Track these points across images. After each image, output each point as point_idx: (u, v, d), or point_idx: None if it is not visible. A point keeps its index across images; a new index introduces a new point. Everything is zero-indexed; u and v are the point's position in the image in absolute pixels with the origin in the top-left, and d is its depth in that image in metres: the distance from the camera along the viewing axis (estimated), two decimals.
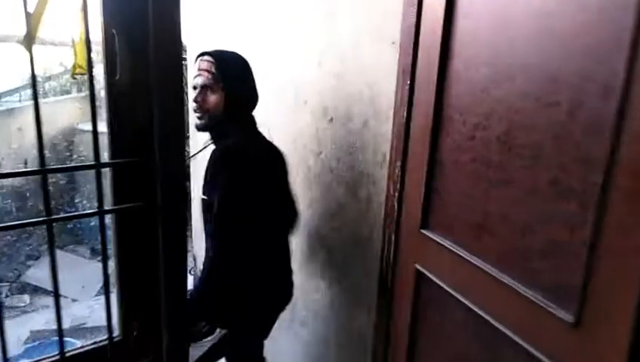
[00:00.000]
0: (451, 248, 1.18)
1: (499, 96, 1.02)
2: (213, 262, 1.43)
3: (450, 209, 1.20)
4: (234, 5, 2.56)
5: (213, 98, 1.48)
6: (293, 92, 2.02)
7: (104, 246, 0.92)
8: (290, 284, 1.71)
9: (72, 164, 4.38)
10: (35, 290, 3.76)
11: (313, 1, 1.85)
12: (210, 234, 1.47)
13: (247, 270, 1.49)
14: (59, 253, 4.47)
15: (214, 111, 1.49)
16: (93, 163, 0.88)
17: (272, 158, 1.60)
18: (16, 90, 5.26)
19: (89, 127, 3.94)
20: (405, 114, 1.35)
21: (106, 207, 0.90)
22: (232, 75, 1.48)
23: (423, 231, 1.29)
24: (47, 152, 4.45)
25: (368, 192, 1.63)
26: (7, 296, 3.67)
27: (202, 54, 1.52)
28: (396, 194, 1.42)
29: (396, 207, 1.42)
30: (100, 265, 0.94)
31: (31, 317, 3.40)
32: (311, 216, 1.99)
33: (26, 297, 3.67)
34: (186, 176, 1.07)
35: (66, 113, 4.58)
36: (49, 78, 5.48)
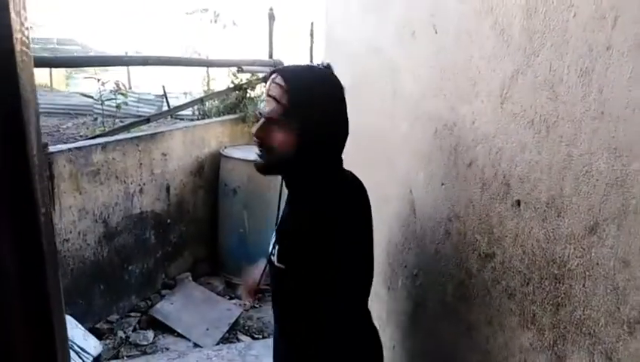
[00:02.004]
0: None
1: None
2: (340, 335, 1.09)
3: None
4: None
5: (280, 136, 1.08)
6: (449, 144, 1.22)
7: None
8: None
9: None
10: (160, 327, 3.51)
11: None
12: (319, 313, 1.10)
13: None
14: (191, 284, 4.26)
15: (282, 151, 1.09)
16: None
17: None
18: (184, 106, 5.25)
19: (233, 153, 3.50)
20: None
21: None
22: (311, 111, 1.06)
23: None
24: (194, 177, 4.38)
25: None
26: (134, 330, 3.45)
27: (275, 72, 1.11)
28: None
29: None
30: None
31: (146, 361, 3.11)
32: (449, 348, 1.16)
33: (150, 334, 3.42)
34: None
35: (213, 137, 4.36)
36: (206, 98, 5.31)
